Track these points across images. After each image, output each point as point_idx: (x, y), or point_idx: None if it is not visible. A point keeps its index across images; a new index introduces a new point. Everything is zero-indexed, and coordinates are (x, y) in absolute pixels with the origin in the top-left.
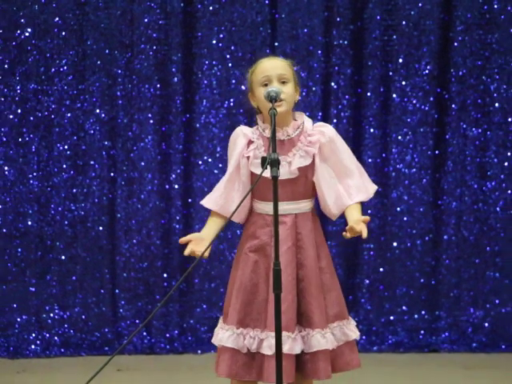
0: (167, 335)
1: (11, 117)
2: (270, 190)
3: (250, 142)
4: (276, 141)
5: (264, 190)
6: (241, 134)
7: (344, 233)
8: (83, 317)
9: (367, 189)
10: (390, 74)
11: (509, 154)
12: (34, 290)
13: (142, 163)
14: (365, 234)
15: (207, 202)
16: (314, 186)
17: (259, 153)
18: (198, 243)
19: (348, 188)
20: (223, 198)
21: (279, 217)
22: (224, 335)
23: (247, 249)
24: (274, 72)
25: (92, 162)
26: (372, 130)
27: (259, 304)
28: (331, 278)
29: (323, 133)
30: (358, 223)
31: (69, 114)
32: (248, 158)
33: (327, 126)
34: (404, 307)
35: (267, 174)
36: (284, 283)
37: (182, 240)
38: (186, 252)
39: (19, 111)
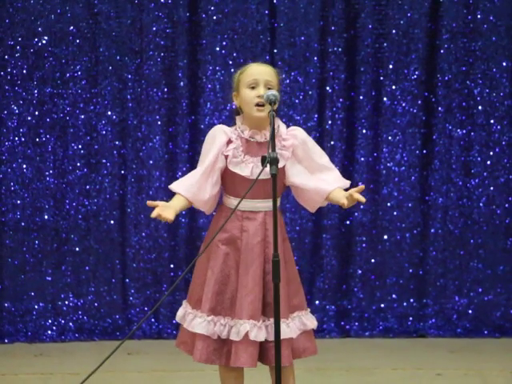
0: (174, 321)
1: (29, 118)
2: (245, 187)
3: (229, 141)
4: (254, 143)
5: (238, 186)
6: (221, 132)
7: (342, 201)
8: (96, 304)
9: (343, 179)
10: (381, 78)
11: (491, 153)
12: (50, 279)
13: (151, 162)
14: (363, 199)
15: (178, 187)
16: (284, 186)
17: (237, 153)
18: (164, 209)
19: (325, 180)
20: (196, 188)
21: (251, 213)
22: (196, 322)
23: (218, 241)
24: (262, 77)
25: (104, 161)
26: (364, 131)
27: (230, 294)
28: (293, 271)
29: (295, 136)
30: (354, 193)
31: (82, 116)
32: (226, 156)
33: (299, 129)
34: (394, 295)
35: (245, 173)
36: (252, 275)
37: (150, 203)
38: (153, 215)
39: (36, 113)
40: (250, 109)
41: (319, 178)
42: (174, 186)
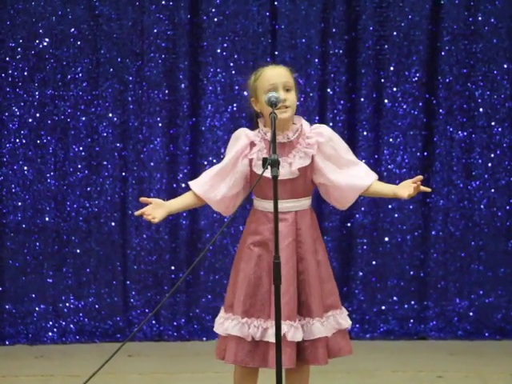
0: (174, 323)
1: (30, 120)
2: (271, 188)
3: (253, 145)
4: (277, 144)
5: (265, 188)
6: (243, 134)
7: (402, 193)
8: (97, 306)
9: (373, 172)
10: (382, 80)
11: (492, 155)
12: (51, 281)
13: (152, 163)
14: (428, 189)
15: (194, 183)
16: (312, 184)
17: (261, 155)
18: (155, 208)
19: (356, 175)
20: (209, 185)
21: (281, 214)
22: (230, 324)
23: (250, 244)
24: (279, 80)
25: (105, 163)
26: (365, 133)
27: (262, 295)
28: (327, 270)
29: (321, 133)
30: (412, 186)
31: (83, 118)
32: (251, 160)
33: (323, 127)
34: (395, 297)
35: (267, 173)
36: (286, 276)
37: (143, 199)
38: (138, 212)
39: (38, 115)
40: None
41: (349, 174)
42: (190, 182)
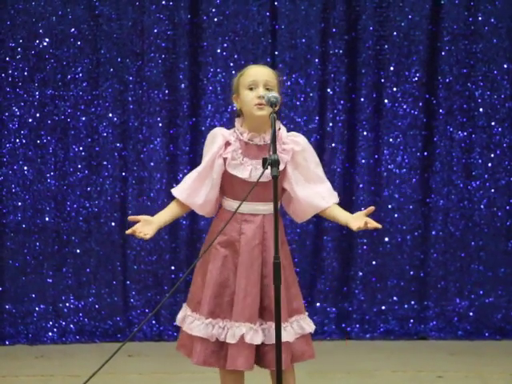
0: (174, 323)
1: (30, 120)
2: (244, 190)
3: (228, 144)
4: (253, 145)
5: (237, 189)
6: (219, 135)
7: (352, 226)
8: (97, 306)
9: (335, 193)
10: (382, 80)
11: (492, 155)
12: (51, 281)
13: (152, 163)
14: (379, 225)
15: (175, 190)
16: (282, 190)
17: (236, 155)
18: (145, 225)
19: (320, 192)
20: (190, 190)
21: (249, 216)
22: (195, 324)
23: (217, 244)
24: (261, 78)
25: (105, 163)
26: (365, 133)
27: (228, 296)
28: (291, 275)
29: (297, 142)
30: (369, 220)
31: (83, 118)
32: (225, 159)
33: (301, 136)
34: (395, 297)
35: (243, 175)
36: (250, 278)
37: (131, 218)
38: (129, 231)
39: (38, 115)
40: (250, 109)
41: (313, 191)
42: (173, 190)
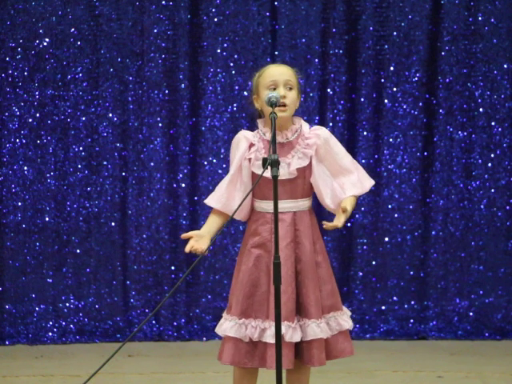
0: (175, 323)
1: (30, 120)
2: (270, 189)
3: (252, 145)
4: (276, 144)
5: (264, 189)
6: (242, 138)
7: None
8: (97, 306)
9: (362, 184)
10: (382, 80)
11: (492, 155)
12: (51, 281)
13: (152, 163)
14: (339, 225)
15: (210, 200)
16: (311, 185)
17: (260, 155)
18: (198, 240)
19: (343, 185)
20: (225, 197)
21: (279, 214)
22: (227, 325)
23: (250, 245)
24: (281, 77)
25: (105, 163)
26: (365, 133)
27: (261, 296)
28: (327, 271)
29: (319, 135)
30: (337, 218)
31: (83, 118)
32: (250, 159)
33: (322, 129)
34: (395, 298)
35: (268, 174)
36: (284, 276)
37: (184, 236)
38: (187, 249)
39: (38, 115)
40: (269, 111)
41: (338, 182)
42: (206, 201)
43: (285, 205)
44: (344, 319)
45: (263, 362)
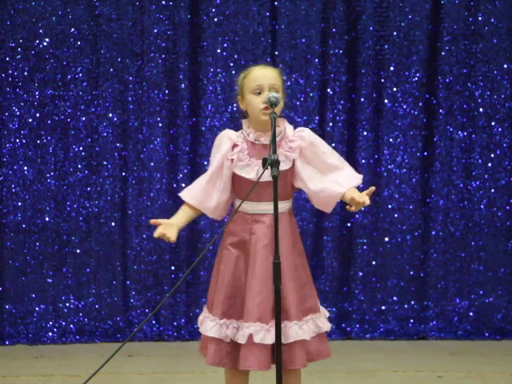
0: (175, 323)
1: (30, 120)
2: (253, 190)
3: (235, 146)
4: (260, 145)
5: (245, 189)
6: (226, 137)
7: (347, 206)
8: (97, 306)
9: (356, 176)
10: (382, 80)
11: (492, 155)
12: (51, 281)
13: (152, 163)
14: (367, 201)
15: (186, 195)
16: (292, 188)
17: (242, 156)
18: (167, 228)
19: (336, 180)
20: (202, 195)
21: (258, 216)
22: (208, 326)
23: (229, 244)
24: (266, 81)
25: (105, 163)
26: (365, 133)
27: (241, 296)
28: (305, 273)
29: (303, 137)
30: (360, 196)
31: (83, 118)
32: (232, 160)
33: (306, 130)
34: (395, 298)
35: (250, 175)
36: (260, 278)
37: (153, 221)
38: (156, 234)
39: (38, 115)
40: (256, 114)
41: (330, 180)
42: (182, 194)
43: (264, 206)
44: (322, 321)
45: (237, 363)
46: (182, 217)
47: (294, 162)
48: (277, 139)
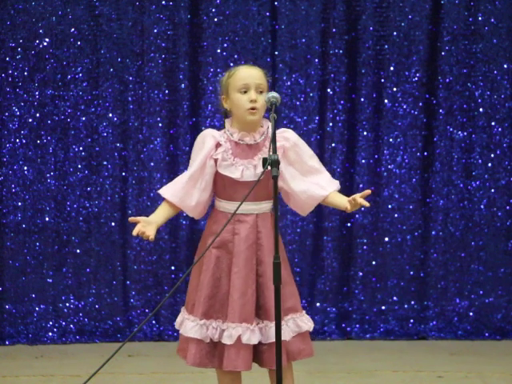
0: (175, 323)
1: (30, 120)
2: (236, 190)
3: (218, 145)
4: (244, 145)
5: (229, 190)
6: (209, 136)
7: (345, 206)
8: (97, 306)
9: (334, 181)
10: (382, 80)
11: (492, 155)
12: (51, 281)
13: (152, 163)
14: (367, 203)
15: (166, 192)
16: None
17: (227, 156)
18: (146, 226)
19: (317, 183)
20: (183, 193)
21: (242, 216)
22: (189, 326)
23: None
24: (252, 81)
25: (105, 163)
26: (365, 133)
27: (222, 297)
28: (287, 273)
29: (287, 138)
30: (357, 197)
31: (83, 118)
32: (216, 160)
33: (289, 131)
34: (395, 298)
35: (235, 175)
36: (244, 278)
37: (132, 219)
38: (135, 232)
39: (38, 115)
40: (242, 113)
41: (312, 182)
42: (162, 191)
43: (248, 207)
44: (303, 321)
45: (220, 363)
46: (161, 214)
47: None
48: (260, 139)
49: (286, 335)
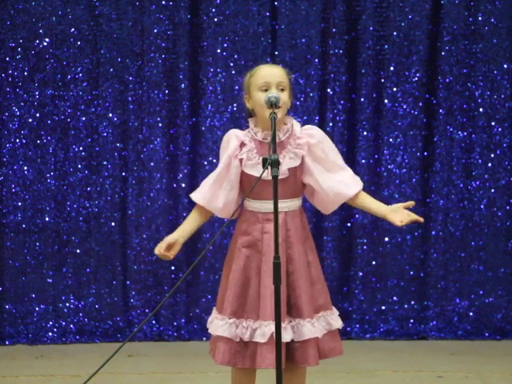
0: (175, 323)
1: (30, 120)
2: (264, 189)
3: (243, 145)
4: (268, 143)
5: (257, 189)
6: (233, 136)
7: (395, 223)
8: (97, 306)
9: (358, 180)
10: (382, 80)
11: (492, 155)
12: (51, 281)
13: (152, 163)
14: (421, 219)
15: (195, 196)
16: (302, 185)
17: (251, 155)
18: (169, 250)
19: (343, 181)
20: (210, 194)
21: (270, 214)
22: (218, 325)
23: (240, 244)
24: (273, 79)
25: (105, 163)
26: (365, 133)
27: (252, 296)
28: (317, 271)
29: (312, 135)
30: (411, 214)
31: (83, 118)
32: (241, 160)
33: (315, 129)
34: (395, 298)
35: (255, 173)
36: None
37: (160, 253)
38: (156, 251)
39: (38, 115)
40: (263, 111)
41: (336, 180)
42: (192, 195)
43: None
44: (333, 318)
45: (253, 362)
46: (189, 225)
47: (303, 158)
48: (284, 137)
49: (318, 332)
